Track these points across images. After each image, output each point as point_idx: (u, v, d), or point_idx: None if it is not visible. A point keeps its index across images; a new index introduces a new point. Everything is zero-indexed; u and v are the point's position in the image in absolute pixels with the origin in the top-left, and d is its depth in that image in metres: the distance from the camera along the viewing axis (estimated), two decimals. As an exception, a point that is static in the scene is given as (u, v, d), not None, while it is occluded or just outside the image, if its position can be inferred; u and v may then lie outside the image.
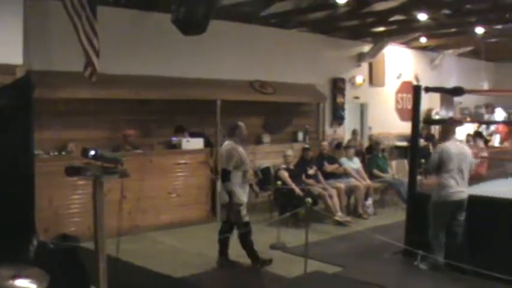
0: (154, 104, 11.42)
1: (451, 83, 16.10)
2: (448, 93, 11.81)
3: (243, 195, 7.92)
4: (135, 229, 9.48)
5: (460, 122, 11.83)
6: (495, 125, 18.94)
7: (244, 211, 7.93)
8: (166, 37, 10.06)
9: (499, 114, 20.83)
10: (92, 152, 4.61)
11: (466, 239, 7.50)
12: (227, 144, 8.08)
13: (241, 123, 8.25)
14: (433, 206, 7.70)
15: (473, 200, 7.61)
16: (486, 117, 20.27)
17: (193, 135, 11.45)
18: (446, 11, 13.45)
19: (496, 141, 18.22)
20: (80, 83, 9.41)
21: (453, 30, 15.62)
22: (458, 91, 9.70)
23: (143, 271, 7.61)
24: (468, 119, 17.80)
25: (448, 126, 8.23)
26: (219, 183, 11.05)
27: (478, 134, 15.05)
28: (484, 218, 7.45)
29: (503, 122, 19.97)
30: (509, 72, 21.40)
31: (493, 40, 16.80)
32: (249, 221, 8.03)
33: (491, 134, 18.70)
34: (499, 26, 15.01)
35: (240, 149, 8.03)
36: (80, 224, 8.89)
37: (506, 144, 17.00)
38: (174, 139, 11.05)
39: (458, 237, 7.56)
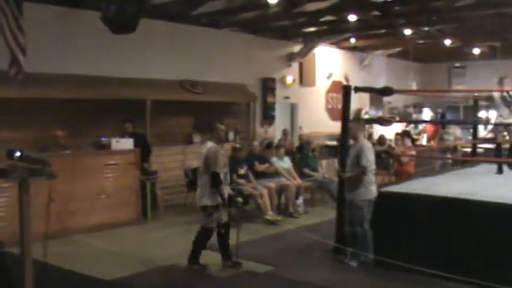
0: (83, 104, 11.18)
1: (380, 83, 16.42)
2: (377, 93, 11.97)
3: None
4: (64, 232, 9.23)
5: (389, 122, 12.03)
6: (423, 124, 19.40)
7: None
8: (96, 35, 9.91)
9: (427, 113, 21.37)
10: (18, 153, 4.47)
11: (396, 235, 7.67)
12: (211, 146, 7.83)
13: (218, 125, 8.12)
14: (360, 203, 7.83)
15: (406, 197, 7.81)
16: (414, 116, 20.77)
17: (133, 135, 11.25)
18: (376, 13, 13.69)
19: (424, 140, 18.68)
20: (5, 82, 9.12)
21: (382, 31, 15.92)
22: (387, 91, 9.86)
23: (73, 275, 7.43)
24: (397, 119, 18.15)
25: (358, 125, 8.39)
26: (148, 185, 10.97)
27: (405, 133, 15.36)
28: (412, 215, 7.63)
29: (431, 122, 20.49)
30: (437, 72, 22.02)
31: (421, 41, 17.21)
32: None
33: (419, 133, 19.15)
34: (427, 28, 15.40)
35: (222, 151, 8.00)
36: (6, 229, 8.60)
37: (433, 143, 17.40)
38: (104, 139, 10.84)
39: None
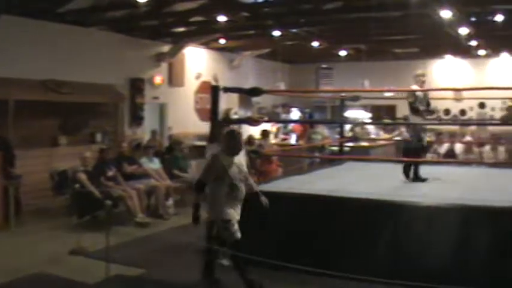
0: None
1: (249, 84, 16.64)
2: (246, 94, 12.10)
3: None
4: None
5: (258, 122, 12.20)
6: (292, 124, 19.83)
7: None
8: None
9: (295, 113, 21.86)
10: None
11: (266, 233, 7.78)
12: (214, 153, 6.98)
13: (234, 129, 7.39)
14: None
15: (276, 195, 7.93)
16: (283, 116, 21.18)
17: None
18: (245, 14, 13.83)
19: (292, 139, 19.09)
20: None
21: (251, 32, 16.11)
22: (255, 91, 9.98)
23: None
24: (266, 119, 18.44)
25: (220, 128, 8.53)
26: (11, 189, 10.49)
27: (266, 133, 15.64)
28: (282, 212, 7.75)
29: (299, 121, 20.99)
30: (305, 73, 22.58)
31: (290, 43, 17.56)
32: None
33: (287, 133, 19.55)
34: (295, 30, 15.74)
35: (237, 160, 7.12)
36: None
37: (301, 142, 17.80)
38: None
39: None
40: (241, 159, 6.88)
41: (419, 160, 9.42)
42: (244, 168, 6.88)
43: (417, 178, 9.24)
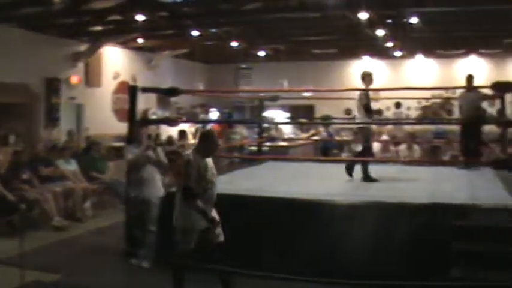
0: None
1: (167, 84, 16.46)
2: (164, 94, 12.04)
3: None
4: None
5: (176, 122, 12.14)
6: (210, 124, 19.79)
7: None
8: None
9: (214, 114, 21.87)
10: None
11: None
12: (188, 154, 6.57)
13: (210, 130, 7.34)
14: (157, 201, 8.05)
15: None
16: (202, 116, 21.14)
17: None
18: (164, 13, 13.71)
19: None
20: None
21: (170, 32, 15.99)
22: (174, 91, 10.02)
23: None
24: (184, 119, 18.37)
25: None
26: None
27: (184, 133, 15.58)
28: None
29: (218, 121, 21.00)
30: (224, 73, 22.60)
31: (208, 43, 17.53)
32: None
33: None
34: (214, 30, 15.72)
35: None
36: None
37: (220, 142, 17.77)
38: None
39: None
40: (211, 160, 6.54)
41: (328, 159, 9.56)
42: (215, 171, 6.53)
43: (367, 177, 9.36)
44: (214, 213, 6.31)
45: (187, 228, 6.24)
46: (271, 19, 14.30)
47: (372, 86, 9.38)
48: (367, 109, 9.11)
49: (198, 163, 6.23)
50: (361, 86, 9.31)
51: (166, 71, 20.12)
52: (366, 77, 9.31)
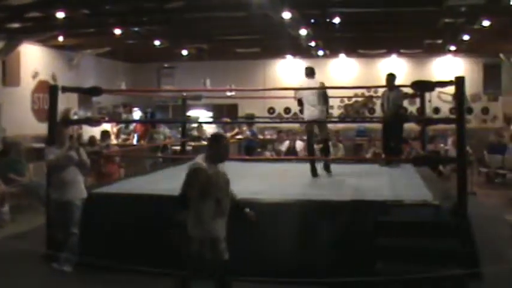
0: None
1: (89, 83, 16.17)
2: (86, 93, 11.87)
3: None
4: None
5: (98, 122, 11.95)
6: (133, 124, 19.57)
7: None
8: None
9: (137, 113, 21.64)
10: None
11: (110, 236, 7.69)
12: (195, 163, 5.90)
13: (221, 135, 6.78)
14: (80, 203, 7.86)
15: (118, 197, 7.83)
16: (124, 116, 20.87)
17: None
18: (86, 11, 13.44)
19: (134, 139, 18.82)
20: None
21: (92, 30, 15.67)
22: (95, 91, 9.88)
23: None
24: (106, 119, 18.10)
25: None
26: None
27: (106, 133, 15.35)
28: (125, 214, 7.77)
29: (141, 121, 20.78)
30: (146, 72, 22.43)
31: (131, 41, 17.30)
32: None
33: (130, 133, 19.25)
34: (137, 28, 15.52)
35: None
36: None
37: (143, 142, 17.63)
38: None
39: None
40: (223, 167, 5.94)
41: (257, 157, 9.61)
42: (228, 177, 5.96)
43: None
44: (223, 228, 5.81)
45: (205, 238, 5.72)
46: (195, 18, 14.24)
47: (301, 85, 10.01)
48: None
49: (206, 172, 5.66)
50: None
51: (88, 70, 19.78)
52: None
